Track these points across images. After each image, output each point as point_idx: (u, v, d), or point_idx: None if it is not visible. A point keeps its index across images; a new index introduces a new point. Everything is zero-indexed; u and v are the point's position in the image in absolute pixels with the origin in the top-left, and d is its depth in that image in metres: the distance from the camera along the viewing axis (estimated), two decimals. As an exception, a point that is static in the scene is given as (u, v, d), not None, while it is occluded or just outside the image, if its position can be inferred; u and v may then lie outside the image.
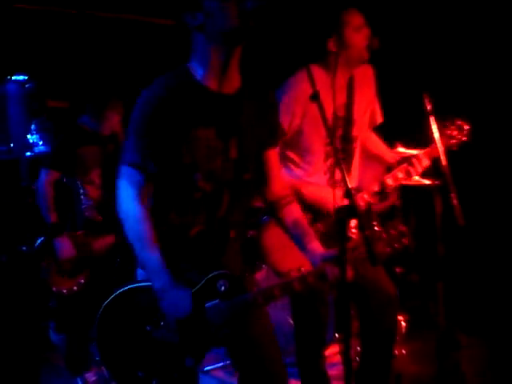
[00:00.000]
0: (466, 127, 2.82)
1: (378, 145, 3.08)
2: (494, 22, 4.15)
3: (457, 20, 4.22)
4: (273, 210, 2.27)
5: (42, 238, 3.60)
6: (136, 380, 2.03)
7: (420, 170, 2.79)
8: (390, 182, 2.79)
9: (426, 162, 2.79)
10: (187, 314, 1.99)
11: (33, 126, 4.94)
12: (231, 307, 2.03)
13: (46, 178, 3.59)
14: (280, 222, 2.26)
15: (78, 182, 3.66)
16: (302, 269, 2.60)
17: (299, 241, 2.18)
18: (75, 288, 3.54)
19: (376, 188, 2.78)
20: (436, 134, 2.59)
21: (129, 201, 2.02)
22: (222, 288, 2.04)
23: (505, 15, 4.08)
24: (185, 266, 2.09)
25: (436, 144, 2.74)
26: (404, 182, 2.87)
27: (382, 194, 2.77)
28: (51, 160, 3.64)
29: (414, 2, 4.11)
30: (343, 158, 2.83)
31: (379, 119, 3.05)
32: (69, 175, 3.67)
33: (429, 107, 2.53)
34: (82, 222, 3.67)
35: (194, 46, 2.03)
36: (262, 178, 2.24)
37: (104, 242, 3.64)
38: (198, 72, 2.03)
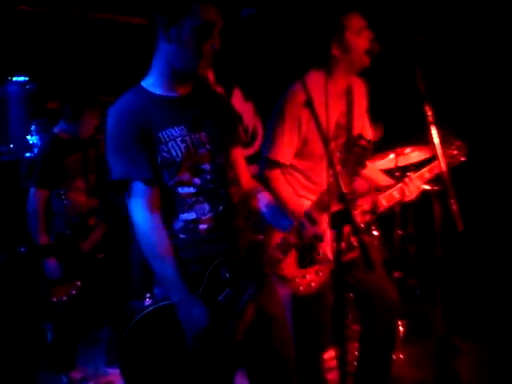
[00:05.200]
0: (465, 147, 2.87)
1: (370, 167, 3.06)
2: (495, 27, 4.16)
3: (460, 25, 4.23)
4: (246, 202, 2.27)
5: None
6: None
7: (413, 189, 2.79)
8: (384, 202, 2.79)
9: (418, 183, 2.80)
10: (206, 325, 1.96)
11: (33, 127, 4.93)
12: (241, 290, 2.00)
13: (36, 198, 3.54)
14: (254, 208, 2.26)
15: (61, 191, 3.63)
16: (307, 276, 2.61)
17: (274, 215, 2.19)
18: (74, 292, 3.55)
19: (367, 207, 2.78)
20: (436, 139, 2.58)
21: (139, 214, 2.02)
22: (227, 275, 2.01)
23: (506, 20, 4.09)
24: (203, 265, 2.05)
25: (429, 167, 2.80)
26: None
27: (374, 213, 2.79)
28: (39, 178, 3.57)
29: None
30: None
31: (368, 136, 3.04)
32: (55, 188, 3.63)
33: (430, 117, 2.53)
34: (67, 227, 3.66)
35: (154, 60, 2.11)
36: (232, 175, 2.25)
37: (90, 242, 3.65)
38: (154, 87, 2.10)
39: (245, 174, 2.29)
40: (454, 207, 2.52)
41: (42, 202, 3.56)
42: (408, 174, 2.84)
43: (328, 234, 2.53)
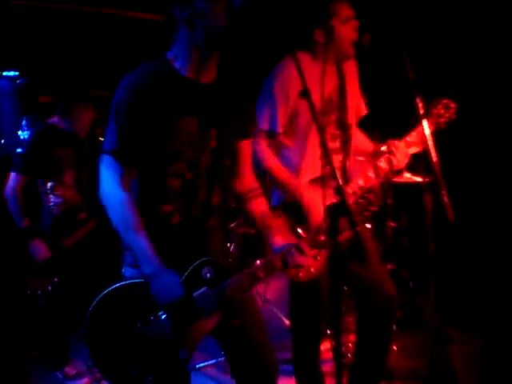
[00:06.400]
0: (453, 105, 2.80)
1: (363, 141, 3.05)
2: (486, 18, 4.17)
3: (450, 17, 4.24)
4: (240, 201, 2.29)
5: None
6: (131, 378, 2.01)
7: (401, 158, 2.74)
8: (371, 174, 2.72)
9: (403, 149, 2.74)
10: (179, 297, 1.97)
11: (24, 123, 4.90)
12: (218, 293, 2.03)
13: (16, 183, 3.53)
14: (247, 213, 2.29)
15: (49, 183, 3.63)
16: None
17: (265, 234, 2.23)
18: (49, 288, 3.54)
19: (361, 183, 2.73)
20: (427, 131, 2.57)
21: (111, 187, 2.03)
22: (208, 275, 2.04)
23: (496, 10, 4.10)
24: (170, 256, 2.07)
25: (415, 133, 2.74)
26: (395, 179, 2.84)
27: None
28: (23, 165, 3.55)
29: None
30: (341, 143, 2.82)
31: (363, 111, 3.04)
32: (39, 177, 3.62)
33: (421, 108, 2.52)
34: (51, 221, 3.66)
35: (177, 37, 2.05)
36: (233, 168, 2.25)
37: (74, 238, 3.64)
38: (178, 63, 2.05)
39: (248, 172, 2.30)
40: (445, 198, 2.52)
41: (21, 187, 3.54)
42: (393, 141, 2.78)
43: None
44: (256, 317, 2.23)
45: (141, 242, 2.00)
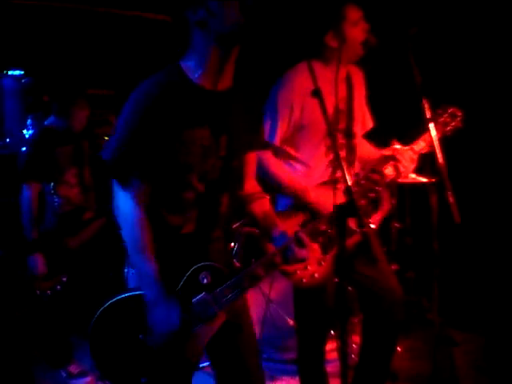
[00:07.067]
0: (459, 114, 2.79)
1: (368, 150, 3.05)
2: (491, 18, 4.17)
3: (457, 17, 4.24)
4: (243, 204, 2.26)
5: None
6: None
7: (407, 164, 2.73)
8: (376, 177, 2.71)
9: (409, 156, 2.73)
10: (173, 330, 1.96)
11: (29, 121, 4.92)
12: (216, 298, 2.00)
13: (30, 192, 3.52)
14: (250, 215, 2.26)
15: (52, 184, 3.62)
16: (309, 267, 2.60)
17: (268, 231, 2.19)
18: (59, 287, 3.55)
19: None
20: (433, 133, 2.58)
21: (127, 205, 1.99)
22: (205, 280, 2.02)
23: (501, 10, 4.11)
24: (177, 266, 2.05)
25: (421, 141, 2.73)
26: (399, 180, 2.84)
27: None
28: (29, 172, 3.54)
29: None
30: (346, 152, 2.81)
31: (370, 124, 3.03)
32: (46, 180, 3.62)
33: (427, 109, 2.52)
34: (56, 220, 3.66)
35: (193, 42, 1.99)
36: (238, 175, 2.23)
37: (80, 239, 3.65)
38: (192, 70, 1.99)
39: (251, 177, 2.28)
40: (451, 199, 2.52)
41: (35, 196, 3.53)
42: (397, 148, 2.76)
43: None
44: (251, 338, 2.19)
45: (147, 266, 1.97)
